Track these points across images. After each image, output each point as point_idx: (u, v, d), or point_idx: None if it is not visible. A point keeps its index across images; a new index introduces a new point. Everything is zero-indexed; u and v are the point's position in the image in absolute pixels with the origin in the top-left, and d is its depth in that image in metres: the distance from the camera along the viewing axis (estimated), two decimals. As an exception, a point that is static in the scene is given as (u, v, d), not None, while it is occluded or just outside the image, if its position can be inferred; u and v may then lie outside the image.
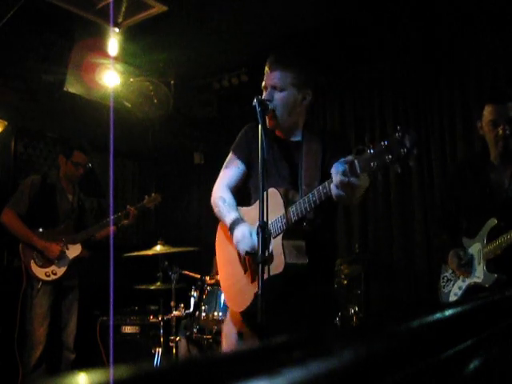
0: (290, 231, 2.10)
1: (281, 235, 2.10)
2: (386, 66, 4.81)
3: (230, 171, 2.41)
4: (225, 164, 2.44)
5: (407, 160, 1.68)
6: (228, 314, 2.43)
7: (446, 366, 0.67)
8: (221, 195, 2.36)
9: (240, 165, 2.38)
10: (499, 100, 2.78)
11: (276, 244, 2.09)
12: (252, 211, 2.27)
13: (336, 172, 1.81)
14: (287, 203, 2.12)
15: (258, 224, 2.10)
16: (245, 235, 2.15)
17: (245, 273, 2.24)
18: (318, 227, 2.19)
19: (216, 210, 2.36)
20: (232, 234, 2.22)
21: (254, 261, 2.16)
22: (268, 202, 1.94)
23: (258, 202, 2.18)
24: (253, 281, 2.19)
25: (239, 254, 2.26)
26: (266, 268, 1.99)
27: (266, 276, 2.00)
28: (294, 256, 2.09)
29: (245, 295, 2.19)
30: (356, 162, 1.76)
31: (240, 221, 2.23)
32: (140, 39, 4.35)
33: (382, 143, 1.71)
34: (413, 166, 1.93)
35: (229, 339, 2.37)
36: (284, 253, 2.06)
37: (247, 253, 2.13)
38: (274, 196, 2.10)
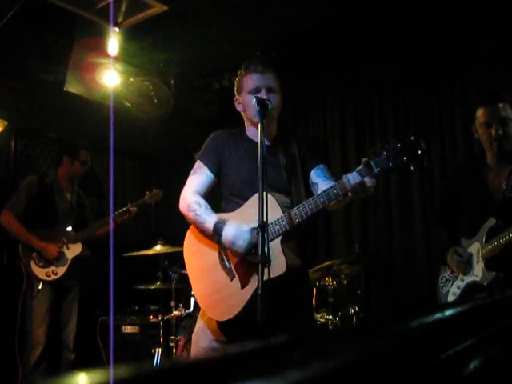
0: (288, 233, 2.10)
1: (279, 237, 2.09)
2: (385, 66, 4.81)
3: (199, 178, 2.33)
4: (192, 171, 2.37)
5: (422, 160, 1.83)
6: (201, 324, 2.29)
7: (446, 365, 0.67)
8: (195, 200, 2.28)
9: (208, 172, 2.33)
10: (490, 101, 2.78)
11: (273, 246, 2.05)
12: (237, 216, 2.22)
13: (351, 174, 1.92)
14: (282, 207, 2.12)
15: (251, 225, 2.11)
16: (238, 232, 2.11)
17: (231, 279, 2.17)
18: (304, 231, 2.23)
19: (192, 214, 2.25)
20: (219, 235, 2.15)
21: (249, 263, 2.12)
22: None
23: (242, 207, 2.21)
24: (243, 286, 2.12)
25: (221, 260, 2.20)
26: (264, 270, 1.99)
27: (265, 278, 2.00)
28: (292, 258, 2.11)
29: (232, 302, 2.13)
30: (372, 162, 1.86)
31: (225, 221, 2.17)
32: (140, 39, 4.34)
33: (398, 144, 1.82)
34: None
35: (201, 347, 2.23)
36: (285, 254, 2.07)
37: (246, 253, 2.10)
38: (268, 200, 2.05)
